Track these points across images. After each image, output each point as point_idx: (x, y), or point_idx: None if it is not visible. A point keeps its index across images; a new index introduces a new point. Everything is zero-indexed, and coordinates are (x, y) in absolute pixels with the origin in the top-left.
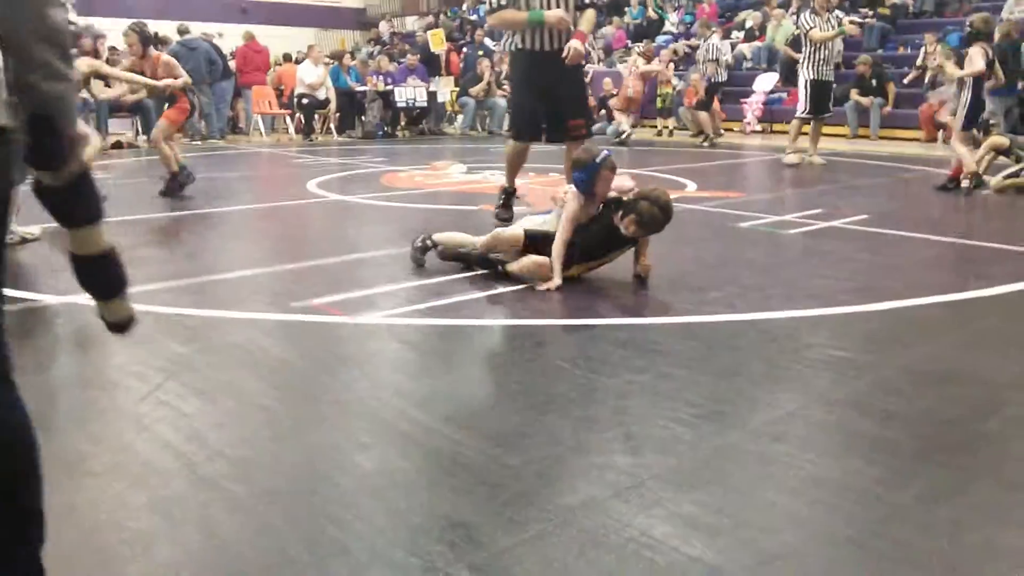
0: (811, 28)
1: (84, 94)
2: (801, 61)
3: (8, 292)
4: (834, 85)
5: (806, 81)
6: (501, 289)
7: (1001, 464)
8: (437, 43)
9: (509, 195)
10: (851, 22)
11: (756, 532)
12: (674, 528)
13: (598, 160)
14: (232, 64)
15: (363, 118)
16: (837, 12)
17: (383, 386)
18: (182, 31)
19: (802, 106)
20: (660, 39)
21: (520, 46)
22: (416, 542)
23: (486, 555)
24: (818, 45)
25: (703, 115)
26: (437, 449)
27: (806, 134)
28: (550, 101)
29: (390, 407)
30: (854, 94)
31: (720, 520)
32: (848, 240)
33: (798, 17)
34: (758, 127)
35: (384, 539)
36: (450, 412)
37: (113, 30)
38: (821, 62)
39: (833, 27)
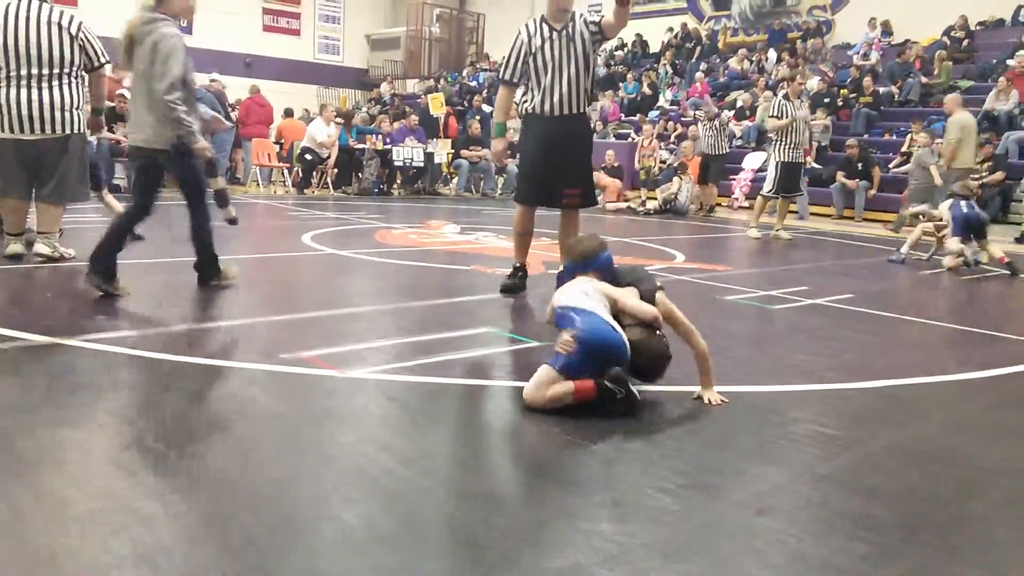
0: (771, 115)
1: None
2: (773, 143)
3: (3, 331)
4: (803, 167)
5: (777, 162)
6: (492, 350)
7: (986, 547)
8: (436, 107)
9: (516, 269)
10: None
11: None
12: None
13: (603, 256)
14: (234, 115)
15: (360, 175)
16: (802, 96)
17: (370, 441)
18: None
19: (769, 185)
20: (652, 114)
21: (532, 110)
22: None
23: None
24: (788, 129)
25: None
26: (423, 507)
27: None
28: (554, 166)
29: (376, 463)
30: (840, 176)
31: None
32: (834, 318)
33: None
34: (745, 203)
35: None
36: (436, 471)
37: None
38: (792, 145)
39: (798, 111)
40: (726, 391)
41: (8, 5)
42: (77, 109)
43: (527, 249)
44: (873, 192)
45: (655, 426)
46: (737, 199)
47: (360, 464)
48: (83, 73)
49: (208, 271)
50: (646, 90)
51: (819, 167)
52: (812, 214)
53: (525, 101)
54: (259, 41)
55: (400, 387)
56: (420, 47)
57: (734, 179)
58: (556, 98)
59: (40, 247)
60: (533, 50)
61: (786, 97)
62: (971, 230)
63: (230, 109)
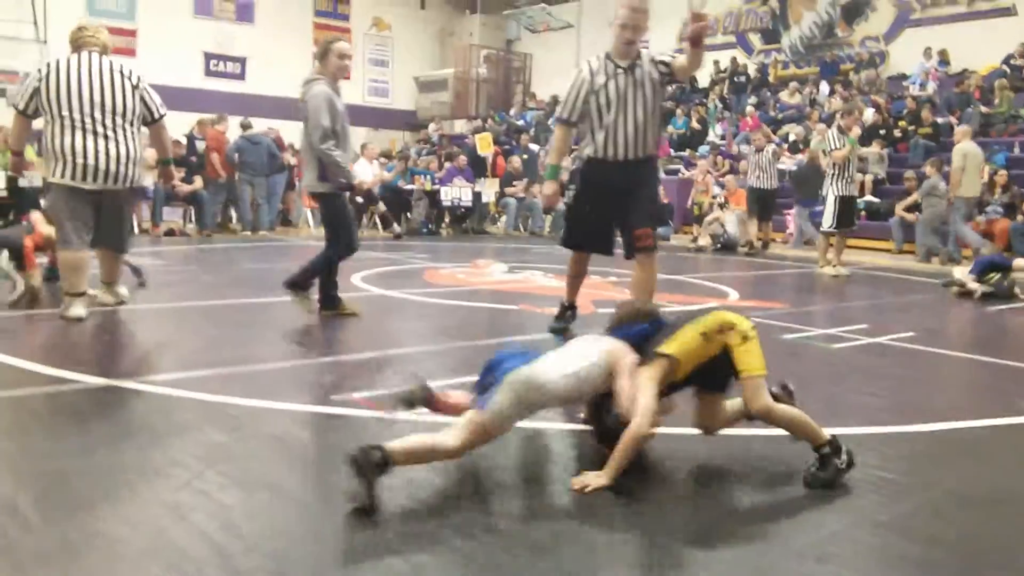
0: (834, 148)
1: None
2: (829, 178)
3: (59, 373)
4: (857, 200)
5: (835, 198)
6: None
7: None
8: (484, 146)
9: (564, 309)
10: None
11: None
12: None
13: (635, 329)
14: (287, 157)
15: (409, 215)
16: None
17: (419, 485)
18: (244, 126)
19: (829, 221)
20: (702, 149)
21: (593, 153)
22: None
23: None
24: (843, 163)
25: (751, 224)
26: (469, 551)
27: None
28: (618, 210)
29: (425, 506)
30: (899, 209)
31: None
32: (894, 357)
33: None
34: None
35: None
36: (483, 515)
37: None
38: (847, 179)
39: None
40: (782, 434)
41: (71, 57)
42: (138, 162)
43: (578, 289)
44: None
45: (706, 472)
46: (792, 234)
47: (409, 508)
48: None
49: (328, 301)
50: (695, 125)
51: (876, 200)
52: (871, 248)
53: (586, 145)
54: None
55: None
56: (467, 88)
57: (788, 213)
58: (621, 140)
59: (107, 297)
60: (596, 88)
61: (840, 130)
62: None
63: (287, 153)
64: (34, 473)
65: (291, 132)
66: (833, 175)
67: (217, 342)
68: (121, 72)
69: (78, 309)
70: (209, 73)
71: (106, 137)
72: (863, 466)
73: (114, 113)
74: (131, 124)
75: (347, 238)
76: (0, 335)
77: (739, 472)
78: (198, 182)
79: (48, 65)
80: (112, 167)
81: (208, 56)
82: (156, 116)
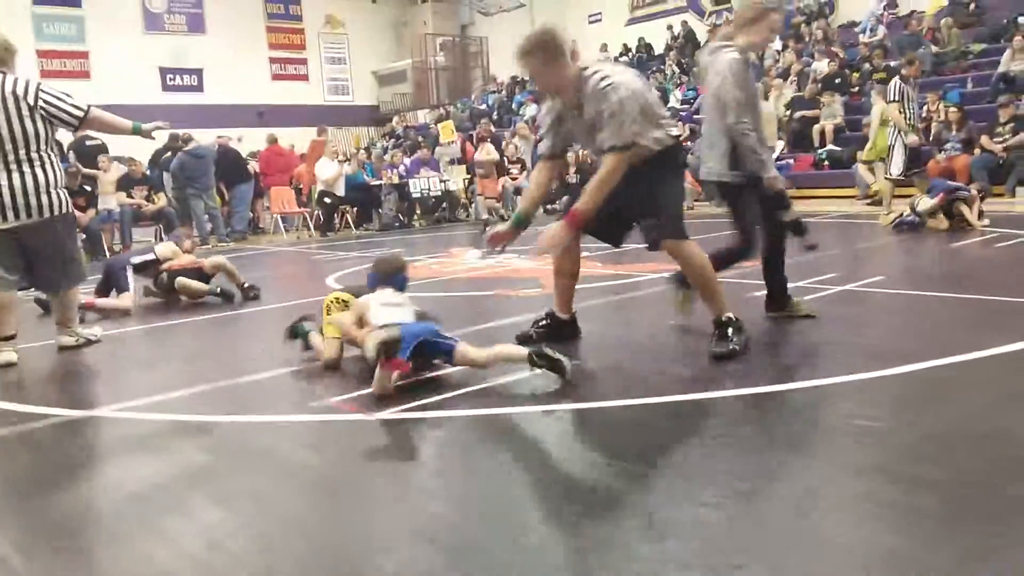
0: (892, 100)
1: (111, 204)
2: (894, 128)
3: (33, 409)
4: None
5: (905, 146)
6: (518, 376)
7: None
8: (447, 134)
9: (544, 317)
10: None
11: None
12: None
13: (398, 277)
14: (253, 166)
15: (380, 211)
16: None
17: (403, 483)
18: (185, 140)
19: (899, 168)
20: None
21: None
22: None
23: None
24: (908, 111)
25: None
26: (459, 546)
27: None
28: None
29: (411, 504)
30: (860, 156)
31: None
32: (864, 304)
33: (892, 85)
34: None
35: None
36: (470, 506)
37: (133, 140)
38: (912, 127)
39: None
40: (758, 391)
41: None
42: (57, 188)
43: (568, 296)
44: None
45: (684, 436)
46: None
47: (395, 507)
48: (53, 148)
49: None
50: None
51: (837, 148)
52: (833, 197)
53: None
54: (269, 90)
55: (428, 424)
56: (426, 77)
57: None
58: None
59: (64, 339)
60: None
61: (903, 79)
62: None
63: (247, 161)
64: (16, 511)
65: (255, 140)
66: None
67: (191, 360)
68: (15, 93)
69: (8, 355)
70: (166, 88)
71: (9, 170)
72: (841, 415)
73: (21, 142)
74: (39, 149)
75: (753, 238)
76: None
77: (715, 434)
78: (161, 199)
79: None
80: (21, 200)
81: (164, 71)
82: (77, 120)
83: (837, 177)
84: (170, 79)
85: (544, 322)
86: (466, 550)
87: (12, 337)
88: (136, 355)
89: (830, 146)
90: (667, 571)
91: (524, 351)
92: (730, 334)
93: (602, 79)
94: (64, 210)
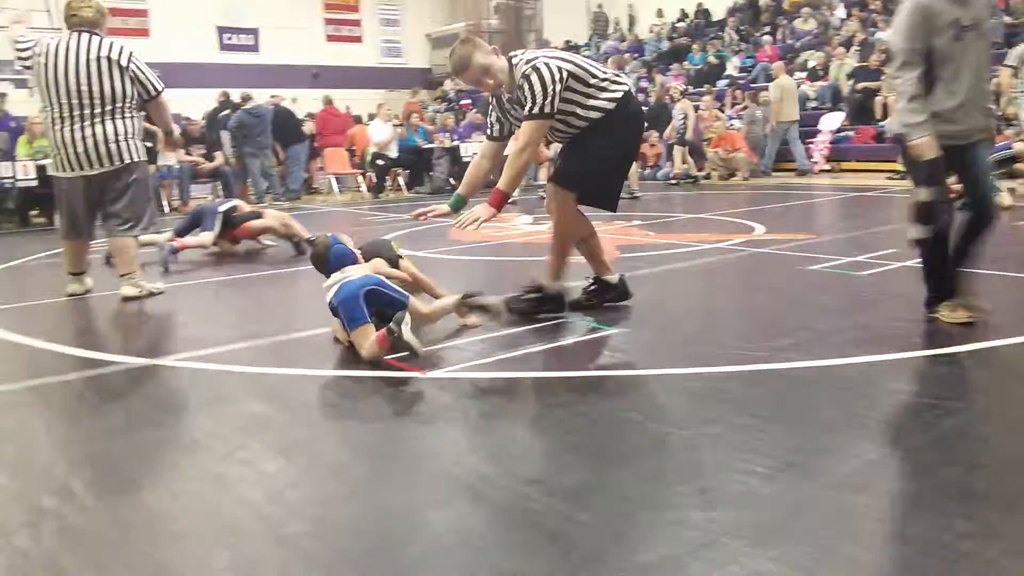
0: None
1: (171, 161)
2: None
3: (99, 356)
4: None
5: None
6: (568, 340)
7: None
8: None
9: (605, 286)
10: None
11: None
12: None
13: (333, 254)
14: (308, 127)
15: (431, 174)
16: None
17: (453, 441)
18: (245, 98)
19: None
20: (720, 83)
21: (616, 105)
22: None
23: None
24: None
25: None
26: (507, 505)
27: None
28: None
29: (460, 463)
30: None
31: None
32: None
33: None
34: (826, 167)
35: None
36: (520, 467)
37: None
38: None
39: None
40: (812, 365)
41: (53, 43)
42: (134, 138)
43: (600, 256)
44: None
45: (740, 408)
46: (817, 163)
47: (445, 465)
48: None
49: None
50: (712, 60)
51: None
52: (882, 170)
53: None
54: (324, 51)
55: (481, 384)
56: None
57: (811, 143)
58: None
59: (126, 290)
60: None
61: None
62: None
63: (301, 122)
64: (84, 455)
65: (311, 101)
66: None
67: (250, 314)
68: (108, 57)
69: (75, 286)
70: (223, 47)
71: (92, 124)
72: (898, 393)
73: (102, 101)
74: (118, 106)
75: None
76: (40, 323)
77: (769, 406)
78: (219, 158)
79: (39, 51)
80: (102, 149)
81: (221, 30)
82: (153, 93)
83: (892, 153)
84: (227, 38)
85: (592, 288)
86: (514, 510)
87: (82, 273)
88: (197, 308)
89: (889, 120)
90: (717, 539)
91: (456, 298)
92: (532, 299)
93: (526, 63)
94: (138, 158)
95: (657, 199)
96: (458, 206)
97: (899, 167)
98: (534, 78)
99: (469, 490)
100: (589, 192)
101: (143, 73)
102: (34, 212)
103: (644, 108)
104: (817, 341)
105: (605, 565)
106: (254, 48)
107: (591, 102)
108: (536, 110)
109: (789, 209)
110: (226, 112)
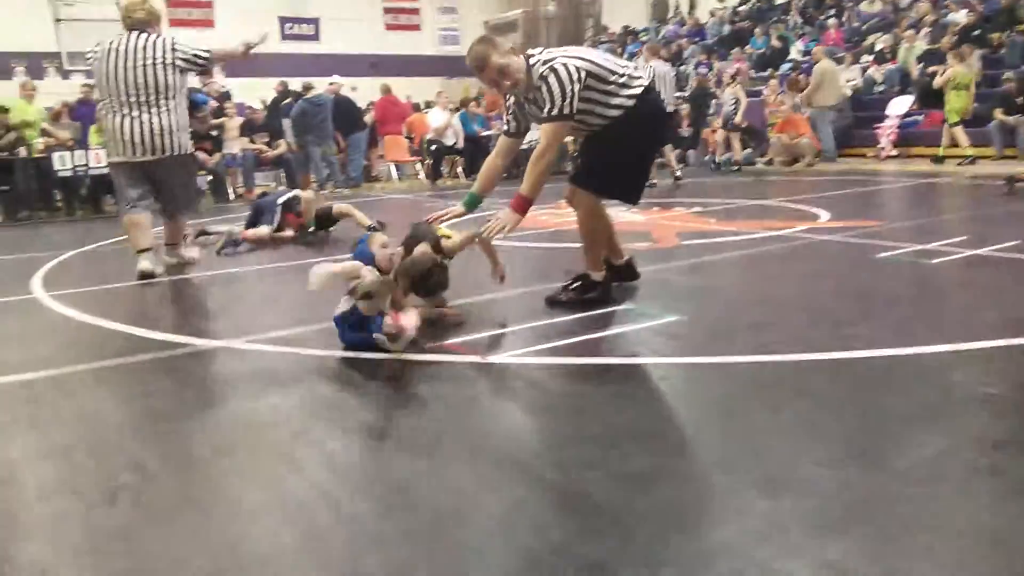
0: None
1: (235, 149)
2: None
3: (169, 337)
4: None
5: None
6: (628, 328)
7: None
8: None
9: (616, 269)
10: None
11: None
12: (819, 575)
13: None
14: (369, 116)
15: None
16: None
17: (511, 425)
18: (306, 87)
19: None
20: (783, 68)
21: (644, 91)
22: None
23: None
24: None
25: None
26: (567, 489)
27: None
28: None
29: (520, 447)
30: (998, 113)
31: (870, 568)
32: (996, 269)
33: None
34: (893, 152)
35: None
36: (580, 452)
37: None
38: None
39: None
40: (880, 354)
41: (109, 42)
42: (181, 132)
43: (613, 241)
44: None
45: (806, 397)
46: (884, 148)
47: (505, 448)
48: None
49: None
50: (775, 43)
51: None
52: (965, 157)
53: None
54: (383, 40)
55: (541, 369)
56: (537, 27)
57: (878, 127)
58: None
59: (167, 258)
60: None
61: None
62: None
63: (361, 111)
64: (157, 433)
65: (370, 90)
66: None
67: (314, 298)
68: (155, 52)
69: (144, 264)
70: (285, 37)
71: (140, 113)
72: (970, 383)
73: (154, 90)
74: (166, 97)
75: None
76: (112, 306)
77: (836, 396)
78: (282, 146)
79: (96, 50)
80: (157, 140)
81: (283, 20)
82: (207, 61)
83: (969, 135)
84: (288, 28)
85: (573, 285)
86: (573, 494)
87: (148, 249)
88: (262, 292)
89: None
90: (783, 527)
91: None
92: (576, 287)
93: (544, 63)
94: (184, 150)
95: (718, 186)
96: (473, 205)
97: (967, 152)
98: (552, 79)
99: (528, 473)
100: (609, 189)
101: (189, 56)
102: (107, 197)
103: (685, 94)
104: (886, 330)
105: (667, 550)
106: (315, 37)
107: (610, 100)
108: (555, 112)
109: (855, 196)
110: (287, 101)
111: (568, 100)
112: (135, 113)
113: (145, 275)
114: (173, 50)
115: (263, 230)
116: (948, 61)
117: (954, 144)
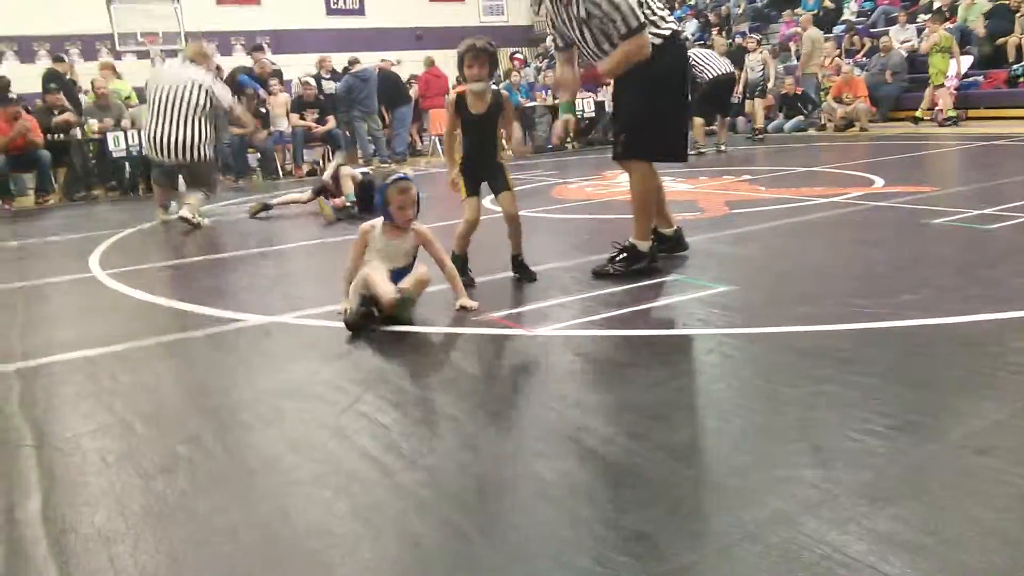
0: None
1: (283, 126)
2: None
3: (220, 313)
4: None
5: None
6: (679, 298)
7: None
8: None
9: (665, 239)
10: None
11: (962, 552)
12: (871, 545)
13: (387, 182)
14: (413, 90)
15: (533, 132)
16: None
17: (560, 397)
18: (352, 62)
19: None
20: (837, 29)
21: (670, 37)
22: (600, 551)
23: (671, 567)
24: None
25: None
26: (615, 460)
27: None
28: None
29: (567, 418)
30: None
31: (922, 538)
32: None
33: None
34: (952, 114)
35: (568, 547)
36: (627, 423)
37: (293, 65)
38: None
39: None
40: (935, 323)
41: (162, 65)
42: (205, 144)
43: (663, 208)
44: None
45: (856, 366)
46: (941, 111)
47: (552, 420)
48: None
49: None
50: (828, 3)
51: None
52: (1015, 117)
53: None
54: (427, 12)
55: (587, 341)
56: None
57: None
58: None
59: (183, 212)
60: None
61: None
62: None
63: (406, 85)
64: (211, 406)
65: (414, 64)
66: None
67: None
68: (195, 82)
69: (163, 215)
70: (330, 12)
71: (172, 126)
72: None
73: (182, 107)
74: (195, 116)
75: None
76: (166, 284)
77: (887, 365)
78: (331, 121)
79: (153, 77)
80: (189, 153)
81: None
82: (228, 108)
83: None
84: (333, 3)
85: (619, 256)
86: (620, 464)
87: (166, 207)
88: (311, 267)
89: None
90: (833, 497)
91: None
92: (622, 259)
93: None
94: (206, 158)
95: (771, 152)
96: (570, 109)
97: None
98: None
99: (575, 444)
100: (649, 151)
101: (221, 100)
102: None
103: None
104: (940, 298)
105: (716, 519)
106: (360, 11)
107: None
108: (635, 25)
109: (911, 160)
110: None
111: (633, 8)
112: (168, 124)
113: (164, 221)
114: (212, 90)
115: (297, 195)
116: (928, 27)
117: (933, 106)
